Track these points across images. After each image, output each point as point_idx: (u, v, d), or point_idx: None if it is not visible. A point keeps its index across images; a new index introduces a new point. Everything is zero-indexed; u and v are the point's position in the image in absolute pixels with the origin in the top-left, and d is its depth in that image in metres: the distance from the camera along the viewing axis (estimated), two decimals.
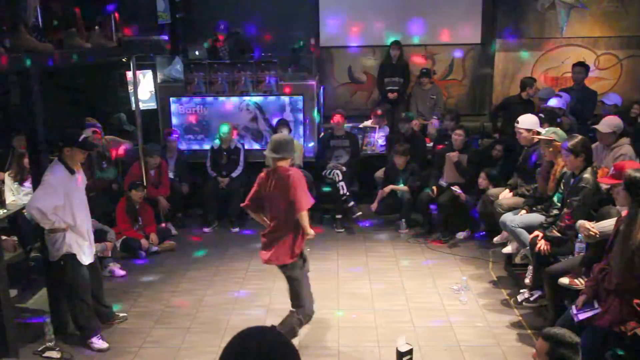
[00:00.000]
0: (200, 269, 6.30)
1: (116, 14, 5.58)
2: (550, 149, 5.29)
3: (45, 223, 4.48)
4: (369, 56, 9.29)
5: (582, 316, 3.81)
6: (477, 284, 5.81)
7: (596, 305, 3.81)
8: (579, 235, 4.49)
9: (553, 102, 6.99)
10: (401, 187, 7.30)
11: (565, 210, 4.86)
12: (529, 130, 5.88)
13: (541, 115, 6.32)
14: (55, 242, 4.60)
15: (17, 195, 5.84)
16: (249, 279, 6.03)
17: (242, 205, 4.68)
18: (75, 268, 4.65)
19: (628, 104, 7.89)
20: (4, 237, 5.54)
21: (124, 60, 6.97)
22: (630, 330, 3.61)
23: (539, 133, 5.64)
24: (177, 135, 7.84)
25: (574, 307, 3.92)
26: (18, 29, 3.95)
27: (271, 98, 8.02)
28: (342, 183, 7.30)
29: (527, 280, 5.24)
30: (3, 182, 5.77)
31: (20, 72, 4.43)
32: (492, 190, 6.42)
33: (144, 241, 6.62)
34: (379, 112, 8.31)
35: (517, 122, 5.99)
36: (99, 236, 5.86)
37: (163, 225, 7.15)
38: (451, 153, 7.01)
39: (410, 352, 4.28)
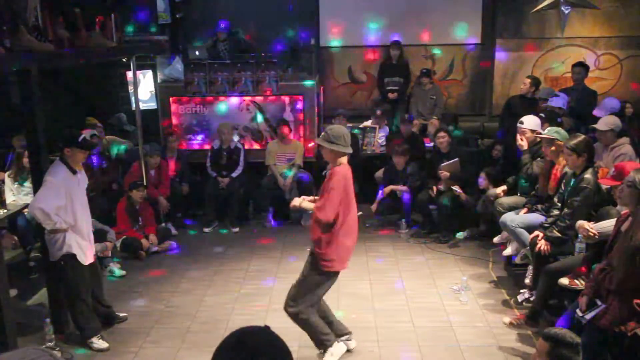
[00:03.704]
0: (200, 269, 6.29)
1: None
2: (552, 148, 5.29)
3: (47, 224, 4.47)
4: (369, 56, 9.29)
5: (588, 317, 3.79)
6: (477, 284, 5.81)
7: (599, 303, 3.80)
8: (579, 235, 4.49)
9: (555, 102, 6.97)
10: (401, 187, 7.29)
11: (565, 210, 4.86)
12: (533, 131, 5.86)
13: (542, 115, 6.31)
14: (55, 243, 4.59)
15: (17, 195, 5.84)
16: (249, 279, 6.02)
17: None
18: (75, 268, 4.64)
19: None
20: (3, 231, 5.54)
21: (124, 60, 6.97)
22: (630, 330, 3.61)
23: (540, 132, 5.64)
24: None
25: (578, 310, 3.91)
26: (18, 29, 3.94)
27: (271, 98, 8.03)
28: None
29: (527, 280, 5.24)
30: (3, 182, 5.77)
31: (20, 72, 4.42)
32: (492, 191, 6.42)
33: (144, 241, 6.61)
34: (379, 112, 8.30)
35: (522, 122, 5.97)
36: (99, 236, 5.84)
37: (163, 225, 7.15)
38: (442, 173, 6.89)
39: None
